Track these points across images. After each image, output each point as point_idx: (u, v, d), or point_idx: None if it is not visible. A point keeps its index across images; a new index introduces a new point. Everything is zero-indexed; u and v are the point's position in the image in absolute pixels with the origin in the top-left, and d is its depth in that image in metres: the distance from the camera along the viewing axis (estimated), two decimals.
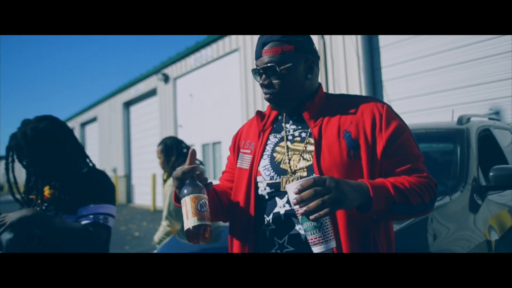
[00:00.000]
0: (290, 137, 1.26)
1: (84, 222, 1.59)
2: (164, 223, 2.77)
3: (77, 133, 23.57)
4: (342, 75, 7.38)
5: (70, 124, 24.93)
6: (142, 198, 15.45)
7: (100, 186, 1.68)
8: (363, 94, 7.00)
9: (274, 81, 1.22)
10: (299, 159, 1.20)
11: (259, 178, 1.26)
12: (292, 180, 1.17)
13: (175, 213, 2.71)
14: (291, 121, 1.30)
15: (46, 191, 1.66)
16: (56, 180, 1.64)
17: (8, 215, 1.53)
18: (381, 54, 7.03)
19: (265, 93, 1.26)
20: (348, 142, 1.16)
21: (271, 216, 1.21)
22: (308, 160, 1.19)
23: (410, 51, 6.58)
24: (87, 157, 1.79)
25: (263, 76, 1.23)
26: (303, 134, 1.24)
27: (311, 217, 0.95)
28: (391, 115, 1.21)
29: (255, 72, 1.25)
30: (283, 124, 1.31)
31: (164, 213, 2.76)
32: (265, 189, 1.24)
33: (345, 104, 1.26)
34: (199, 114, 12.17)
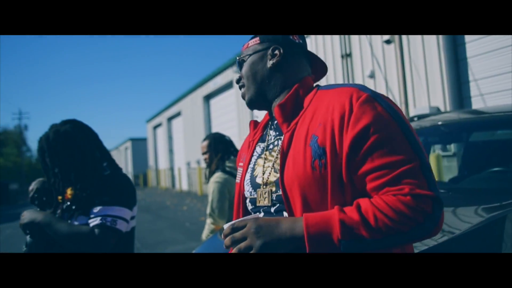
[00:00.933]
0: (270, 146, 1.11)
1: (92, 224, 1.59)
2: (208, 220, 2.72)
3: (164, 128, 25.08)
4: (419, 53, 6.75)
5: (158, 119, 26.61)
6: None
7: (114, 188, 1.67)
8: (444, 74, 6.32)
9: (241, 74, 1.16)
10: (270, 172, 1.05)
11: (245, 194, 1.14)
12: (265, 193, 1.05)
13: (218, 211, 2.65)
14: (273, 127, 1.14)
15: (68, 192, 1.69)
16: (74, 181, 1.67)
17: (24, 215, 1.61)
18: None
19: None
20: (313, 149, 0.95)
21: None
22: (277, 173, 1.03)
23: None
24: (112, 160, 1.80)
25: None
26: (279, 142, 1.09)
27: None
28: (366, 108, 0.92)
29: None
30: (267, 131, 1.16)
31: (208, 211, 2.72)
32: (248, 205, 1.13)
33: (321, 99, 1.02)
34: None
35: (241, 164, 1.21)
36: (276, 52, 1.09)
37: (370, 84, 7.96)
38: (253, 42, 1.14)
